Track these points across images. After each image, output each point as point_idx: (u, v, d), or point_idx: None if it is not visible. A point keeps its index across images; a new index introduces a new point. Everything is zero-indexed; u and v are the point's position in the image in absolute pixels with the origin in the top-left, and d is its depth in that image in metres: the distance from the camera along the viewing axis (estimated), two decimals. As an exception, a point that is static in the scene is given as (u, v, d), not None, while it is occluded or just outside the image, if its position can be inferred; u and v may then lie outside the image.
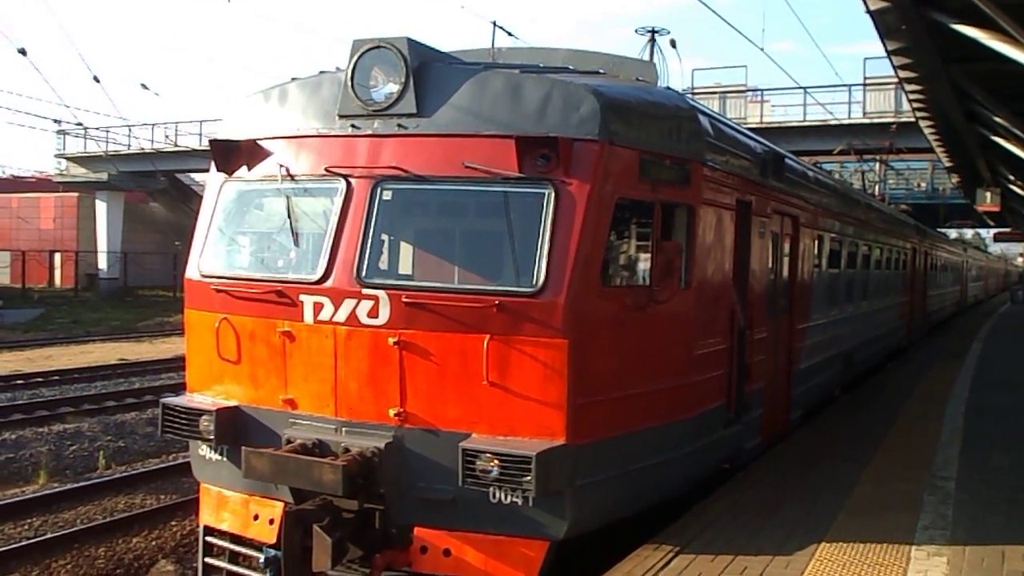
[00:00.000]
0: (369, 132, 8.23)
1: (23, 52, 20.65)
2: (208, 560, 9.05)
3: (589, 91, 7.84)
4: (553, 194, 7.58)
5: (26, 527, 13.12)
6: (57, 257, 67.64)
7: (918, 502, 9.68)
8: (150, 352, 33.69)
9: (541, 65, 9.24)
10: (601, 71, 9.85)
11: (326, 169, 8.32)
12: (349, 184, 8.20)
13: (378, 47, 8.15)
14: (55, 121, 51.91)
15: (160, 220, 72.78)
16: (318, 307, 8.05)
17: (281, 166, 8.59)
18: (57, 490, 14.79)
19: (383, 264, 8.47)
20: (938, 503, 9.67)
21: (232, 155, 8.89)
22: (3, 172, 72.09)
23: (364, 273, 7.95)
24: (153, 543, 12.73)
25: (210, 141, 9.01)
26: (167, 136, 58.44)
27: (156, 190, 68.58)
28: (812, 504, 9.53)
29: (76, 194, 68.24)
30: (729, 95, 47.28)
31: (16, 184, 74.36)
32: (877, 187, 37.07)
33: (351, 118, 8.33)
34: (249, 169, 8.87)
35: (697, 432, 9.19)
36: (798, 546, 8.13)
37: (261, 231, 9.16)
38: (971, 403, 16.55)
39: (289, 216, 8.64)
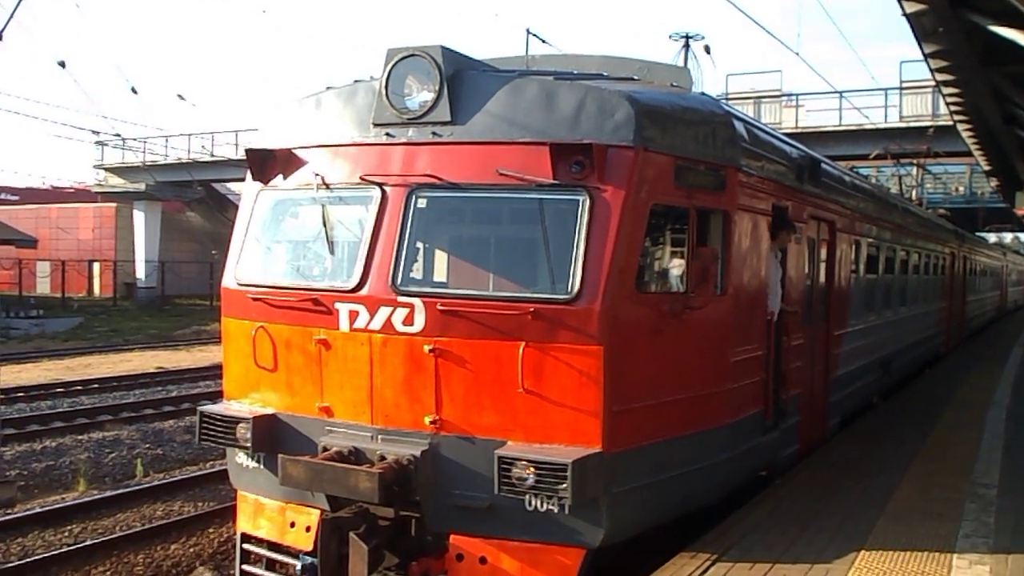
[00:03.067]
0: (404, 140, 8.25)
1: (62, 65, 20.93)
2: (245, 567, 9.09)
3: (623, 97, 7.81)
4: (588, 201, 7.56)
5: (66, 534, 13.25)
6: (96, 267, 68.50)
7: (959, 509, 9.55)
8: (187, 360, 33.97)
9: (575, 72, 9.22)
10: (635, 77, 9.82)
11: (361, 177, 8.34)
12: (384, 192, 8.22)
13: (412, 55, 8.16)
14: (93, 132, 52.69)
15: (197, 229, 73.50)
16: (353, 315, 8.07)
17: (316, 175, 8.62)
18: (96, 497, 14.92)
19: (418, 272, 8.49)
20: (979, 511, 9.53)
21: (268, 164, 8.95)
22: (43, 183, 73.08)
23: (399, 281, 7.96)
24: (191, 550, 12.81)
25: (246, 151, 9.07)
26: (203, 146, 58.97)
27: (193, 200, 69.29)
28: (851, 511, 9.42)
29: (114, 204, 69.15)
30: (764, 100, 47.01)
31: (55, 195, 75.41)
32: (914, 192, 36.70)
33: (386, 126, 8.35)
34: (285, 178, 8.92)
35: (734, 439, 9.12)
36: (837, 554, 8.04)
37: (297, 240, 9.19)
38: (1012, 410, 16.31)
39: (324, 224, 8.67)
